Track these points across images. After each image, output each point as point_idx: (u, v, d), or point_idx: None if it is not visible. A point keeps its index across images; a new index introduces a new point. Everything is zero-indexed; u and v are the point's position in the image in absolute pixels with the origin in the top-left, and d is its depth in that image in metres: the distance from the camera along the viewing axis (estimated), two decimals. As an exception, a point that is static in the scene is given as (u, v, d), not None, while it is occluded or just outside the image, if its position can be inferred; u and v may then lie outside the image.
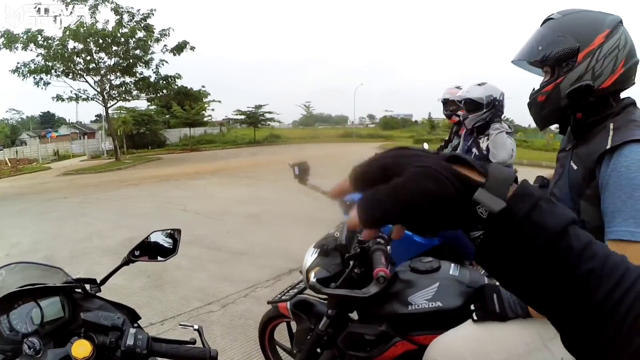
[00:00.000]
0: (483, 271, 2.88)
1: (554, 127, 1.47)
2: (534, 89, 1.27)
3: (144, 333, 1.00)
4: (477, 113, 2.94)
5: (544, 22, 1.21)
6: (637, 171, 0.98)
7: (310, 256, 1.46)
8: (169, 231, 1.49)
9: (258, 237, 5.55)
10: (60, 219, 7.38)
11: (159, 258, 1.43)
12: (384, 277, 1.21)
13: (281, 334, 2.21)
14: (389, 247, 1.40)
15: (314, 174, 3.45)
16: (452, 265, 1.42)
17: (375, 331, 1.33)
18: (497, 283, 1.33)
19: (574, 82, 1.12)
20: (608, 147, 1.04)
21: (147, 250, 1.41)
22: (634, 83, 1.15)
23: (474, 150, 3.04)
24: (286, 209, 7.34)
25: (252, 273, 4.19)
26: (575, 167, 1.16)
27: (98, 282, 1.30)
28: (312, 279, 1.27)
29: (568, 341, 0.37)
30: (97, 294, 1.26)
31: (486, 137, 2.97)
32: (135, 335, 0.98)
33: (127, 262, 1.37)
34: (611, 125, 1.10)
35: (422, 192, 0.35)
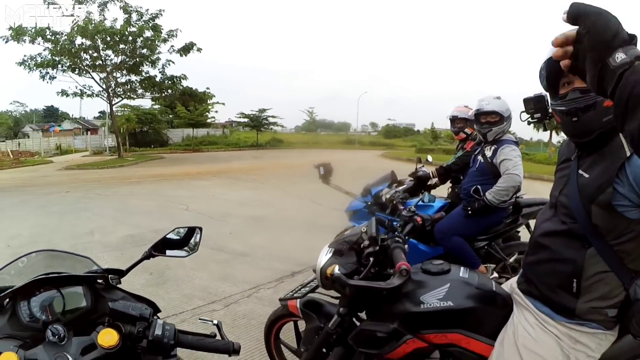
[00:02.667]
0: (491, 276, 2.94)
1: (556, 141, 1.51)
2: (563, 95, 1.22)
3: (171, 324, 1.01)
4: (499, 126, 3.03)
5: None
6: None
7: (325, 255, 1.49)
8: (190, 228, 1.49)
9: (260, 240, 5.57)
10: (61, 213, 7.36)
11: (179, 253, 1.44)
12: (406, 269, 1.26)
13: (286, 335, 2.24)
14: (406, 246, 1.44)
15: (313, 179, 3.50)
16: (462, 268, 1.47)
17: (387, 329, 1.36)
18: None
19: None
20: (628, 154, 1.11)
21: (168, 245, 1.43)
22: None
23: (480, 158, 3.13)
24: (288, 214, 7.38)
25: (254, 274, 4.21)
26: (586, 175, 1.22)
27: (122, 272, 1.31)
28: (336, 271, 1.31)
29: None
30: (117, 286, 1.27)
31: (490, 146, 3.06)
32: (163, 325, 0.99)
33: (148, 256, 1.39)
34: (621, 135, 1.14)
35: (608, 17, 0.66)
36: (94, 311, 1.14)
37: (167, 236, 1.42)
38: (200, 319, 1.27)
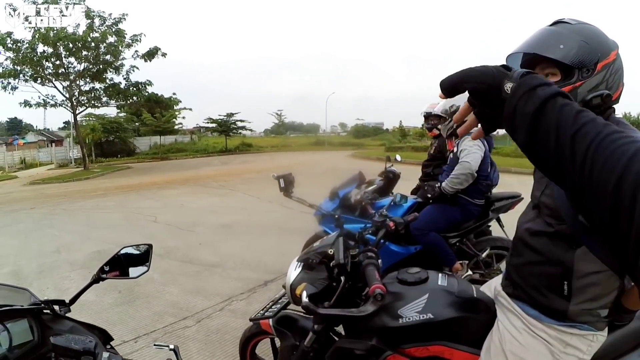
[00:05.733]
0: (466, 272, 2.92)
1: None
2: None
3: (117, 356, 0.94)
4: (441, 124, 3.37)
5: (555, 24, 1.15)
6: None
7: (294, 270, 1.40)
8: (141, 246, 1.42)
9: (231, 249, 5.43)
10: (26, 232, 7.05)
11: (130, 275, 1.36)
12: (381, 294, 1.17)
13: (262, 349, 2.13)
14: (380, 261, 1.36)
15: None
16: (440, 275, 1.40)
17: (365, 346, 1.28)
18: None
19: (592, 89, 1.12)
20: None
21: (118, 266, 1.35)
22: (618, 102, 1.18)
23: (451, 155, 3.21)
24: (258, 219, 7.25)
25: (226, 286, 4.07)
26: None
27: (67, 302, 1.23)
28: (304, 298, 1.20)
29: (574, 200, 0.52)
30: (66, 315, 1.19)
31: (458, 141, 3.11)
32: (108, 359, 0.92)
33: (96, 279, 1.31)
34: None
35: (476, 70, 0.66)
36: (42, 345, 1.06)
37: (116, 256, 1.33)
38: (155, 345, 1.17)
